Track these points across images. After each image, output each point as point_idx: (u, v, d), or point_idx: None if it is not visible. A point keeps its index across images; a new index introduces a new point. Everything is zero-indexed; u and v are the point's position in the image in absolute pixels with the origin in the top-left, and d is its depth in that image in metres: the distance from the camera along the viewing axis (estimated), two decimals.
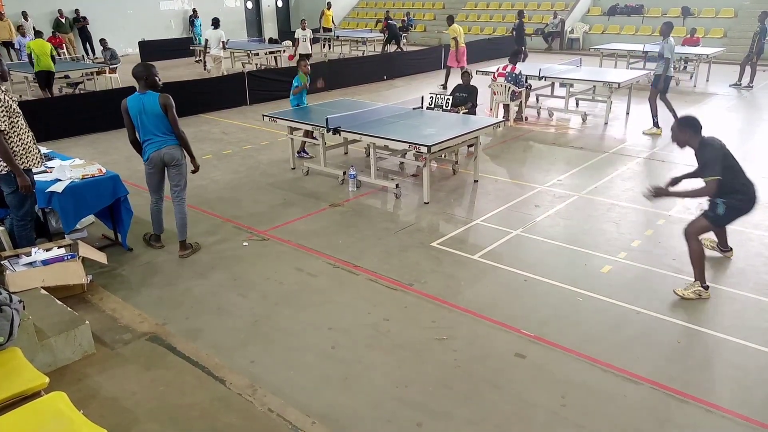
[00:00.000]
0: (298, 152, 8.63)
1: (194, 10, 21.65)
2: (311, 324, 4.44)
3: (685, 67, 15.48)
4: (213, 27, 15.10)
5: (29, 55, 11.88)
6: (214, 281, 5.12)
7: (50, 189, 5.15)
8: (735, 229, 5.93)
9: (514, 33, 16.90)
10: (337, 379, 3.81)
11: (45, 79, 11.99)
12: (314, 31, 20.90)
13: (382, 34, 19.80)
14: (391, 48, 19.25)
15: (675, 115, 9.80)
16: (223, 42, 15.00)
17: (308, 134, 8.29)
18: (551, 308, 4.62)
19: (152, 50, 20.43)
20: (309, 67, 8.84)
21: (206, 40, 15.25)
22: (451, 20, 14.19)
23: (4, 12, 18.21)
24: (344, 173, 7.49)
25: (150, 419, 3.46)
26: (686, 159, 8.36)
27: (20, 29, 17.17)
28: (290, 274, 5.23)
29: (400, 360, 4.00)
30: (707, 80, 14.69)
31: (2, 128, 4.52)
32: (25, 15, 18.63)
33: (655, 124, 9.92)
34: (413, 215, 6.52)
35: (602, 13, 22.28)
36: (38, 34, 13.62)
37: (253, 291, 4.95)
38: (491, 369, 3.89)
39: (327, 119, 7.16)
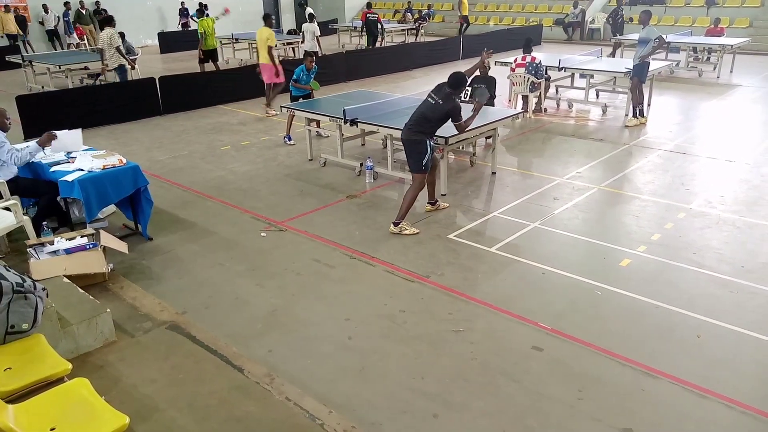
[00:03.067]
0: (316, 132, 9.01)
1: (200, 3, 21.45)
2: (328, 314, 4.47)
3: (708, 58, 15.20)
4: (309, 21, 14.38)
5: (201, 34, 13.49)
6: (232, 271, 5.17)
7: (63, 179, 5.22)
8: (757, 223, 5.84)
9: (611, 21, 16.26)
10: (354, 370, 3.84)
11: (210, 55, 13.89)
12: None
13: (410, 23, 19.52)
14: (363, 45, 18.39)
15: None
16: (316, 35, 14.12)
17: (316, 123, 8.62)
18: (569, 301, 4.59)
19: (171, 41, 20.56)
20: (314, 64, 9.06)
21: (302, 33, 14.43)
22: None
23: (10, 4, 18.45)
24: (361, 165, 7.49)
25: (169, 406, 3.52)
26: (708, 151, 8.23)
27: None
28: (307, 264, 5.26)
29: (417, 351, 4.01)
30: (731, 71, 14.41)
31: None
32: (45, 7, 18.89)
33: (636, 115, 9.85)
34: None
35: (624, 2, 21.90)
36: (201, 11, 14.16)
37: (270, 281, 4.99)
38: (508, 362, 3.88)
39: (344, 110, 7.16)
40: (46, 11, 18.95)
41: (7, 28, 17.99)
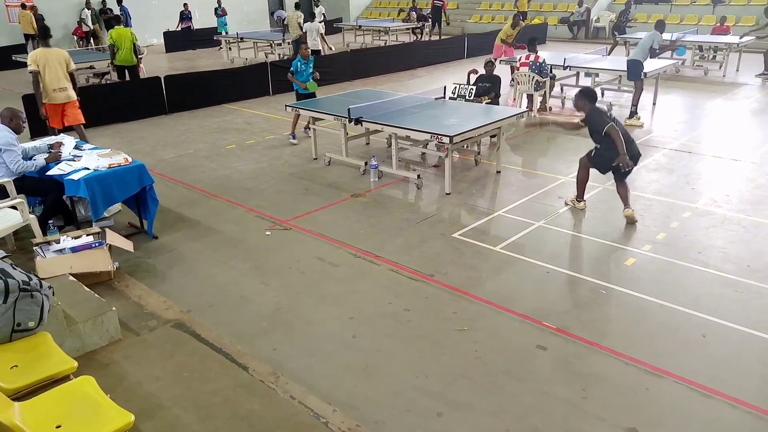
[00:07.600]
0: (305, 128, 8.96)
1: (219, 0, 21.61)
2: (332, 313, 4.48)
3: (714, 57, 15.12)
4: (310, 20, 14.42)
5: (111, 46, 11.57)
6: (237, 270, 5.19)
7: (69, 177, 5.24)
8: (763, 222, 5.82)
9: (622, 19, 16.78)
10: (358, 368, 3.84)
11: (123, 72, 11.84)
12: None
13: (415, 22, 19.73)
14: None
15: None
16: (321, 34, 14.27)
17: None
18: (573, 301, 4.59)
19: (177, 40, 20.59)
20: (309, 51, 9.15)
21: (305, 33, 14.33)
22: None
23: (27, 2, 18.42)
24: (366, 164, 7.49)
25: (174, 404, 3.53)
26: (713, 150, 8.20)
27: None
28: (312, 263, 5.27)
29: (421, 350, 4.01)
30: (737, 70, 14.33)
31: None
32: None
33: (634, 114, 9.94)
34: (434, 206, 6.51)
35: (629, 1, 21.79)
36: (117, 18, 12.41)
37: (275, 280, 5.00)
38: (512, 361, 3.88)
39: (349, 109, 7.16)
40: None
41: (25, 27, 17.91)
